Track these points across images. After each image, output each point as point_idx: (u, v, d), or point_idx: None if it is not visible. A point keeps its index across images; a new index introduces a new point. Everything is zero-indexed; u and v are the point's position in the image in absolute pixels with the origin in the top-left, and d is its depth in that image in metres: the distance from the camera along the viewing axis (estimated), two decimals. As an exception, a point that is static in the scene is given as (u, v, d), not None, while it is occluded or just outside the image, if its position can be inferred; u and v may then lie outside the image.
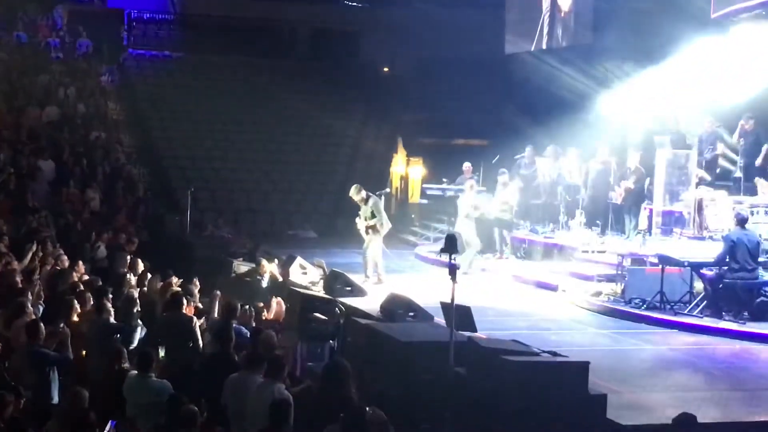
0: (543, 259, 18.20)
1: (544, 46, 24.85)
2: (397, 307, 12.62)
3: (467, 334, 10.32)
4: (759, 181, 15.40)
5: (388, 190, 21.96)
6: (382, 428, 7.71)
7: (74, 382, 8.71)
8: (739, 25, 17.81)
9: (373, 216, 16.15)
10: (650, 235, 16.30)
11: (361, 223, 16.23)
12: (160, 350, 10.42)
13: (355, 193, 16.36)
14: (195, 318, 11.41)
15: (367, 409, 7.99)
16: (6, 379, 9.02)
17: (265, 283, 14.90)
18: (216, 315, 12.42)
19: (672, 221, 16.68)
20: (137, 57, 28.09)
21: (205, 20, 27.81)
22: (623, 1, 19.65)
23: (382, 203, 16.75)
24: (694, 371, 11.42)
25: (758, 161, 16.67)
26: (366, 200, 16.26)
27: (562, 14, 24.76)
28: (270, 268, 15.36)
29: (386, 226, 16.43)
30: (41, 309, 11.66)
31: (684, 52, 18.57)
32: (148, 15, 28.91)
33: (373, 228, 16.14)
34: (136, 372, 8.92)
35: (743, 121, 17.31)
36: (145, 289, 13.20)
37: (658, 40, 19.13)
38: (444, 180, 22.06)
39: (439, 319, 11.58)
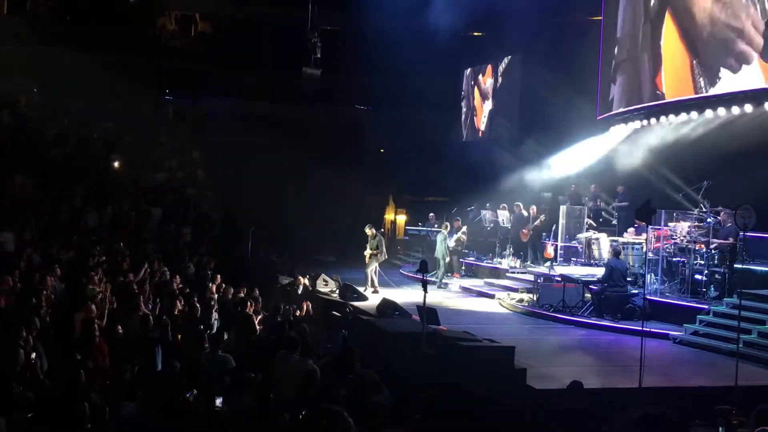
0: (485, 277, 18.16)
1: (479, 137, 25.03)
2: (387, 308, 12.60)
3: (434, 327, 10.30)
4: (629, 230, 15.42)
5: (382, 230, 21.97)
6: (376, 387, 7.67)
7: (171, 355, 8.64)
8: (615, 126, 17.99)
9: (376, 247, 16.15)
10: (556, 261, 16.29)
11: (367, 251, 16.22)
12: (225, 334, 10.35)
13: (369, 229, 16.38)
14: (253, 315, 11.38)
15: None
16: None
17: (300, 291, 14.87)
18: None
19: (570, 253, 16.71)
20: (218, 142, 28.06)
21: (260, 119, 27.74)
22: (539, 107, 19.73)
23: (384, 240, 16.79)
24: (583, 353, 11.42)
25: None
26: (375, 236, 16.29)
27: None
28: (303, 281, 15.34)
29: (384, 256, 16.45)
30: (150, 306, 11.63)
31: (581, 142, 18.74)
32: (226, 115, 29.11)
33: (375, 255, 16.14)
34: (209, 349, 8.87)
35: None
36: (221, 294, 13.16)
37: (563, 133, 19.26)
38: (419, 224, 22.08)
39: (415, 317, 11.56)
